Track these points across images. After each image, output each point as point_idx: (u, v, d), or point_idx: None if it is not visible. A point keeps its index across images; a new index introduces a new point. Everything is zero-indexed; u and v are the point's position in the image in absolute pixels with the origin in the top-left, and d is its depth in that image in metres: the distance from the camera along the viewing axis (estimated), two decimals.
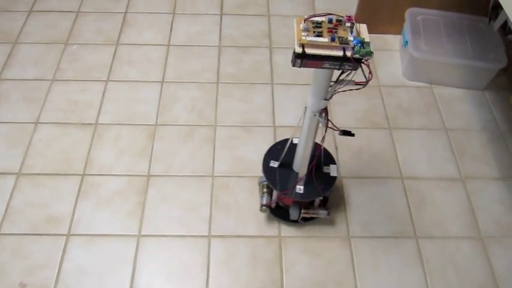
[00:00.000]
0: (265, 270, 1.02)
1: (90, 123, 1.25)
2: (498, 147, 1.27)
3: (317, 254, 1.05)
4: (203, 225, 1.08)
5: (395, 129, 1.29)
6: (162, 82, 1.35)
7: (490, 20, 1.33)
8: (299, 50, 0.72)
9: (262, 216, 1.10)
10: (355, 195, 1.15)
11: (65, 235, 1.05)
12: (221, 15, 1.55)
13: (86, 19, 1.52)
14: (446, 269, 1.05)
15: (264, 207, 1.04)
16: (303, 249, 1.06)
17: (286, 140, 1.06)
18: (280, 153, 1.03)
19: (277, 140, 1.13)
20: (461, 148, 1.26)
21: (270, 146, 1.08)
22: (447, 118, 1.32)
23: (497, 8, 1.36)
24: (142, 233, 1.06)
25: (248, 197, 1.13)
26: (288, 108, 1.31)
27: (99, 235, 1.05)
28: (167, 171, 1.17)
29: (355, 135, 0.94)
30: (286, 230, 1.08)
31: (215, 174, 1.17)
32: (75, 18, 1.52)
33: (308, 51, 0.72)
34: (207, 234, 1.07)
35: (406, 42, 1.36)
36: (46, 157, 1.18)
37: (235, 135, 1.25)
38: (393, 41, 1.51)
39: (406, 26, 1.39)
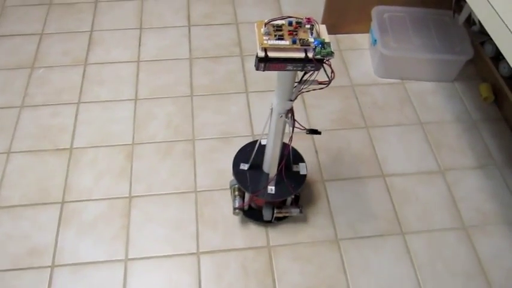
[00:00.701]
0: (257, 282, 1.02)
1: (64, 148, 1.22)
2: (472, 137, 1.30)
3: (307, 260, 1.05)
4: (191, 243, 1.07)
5: (372, 127, 1.30)
6: (136, 100, 1.33)
7: (454, 14, 1.36)
8: (262, 54, 0.73)
9: (250, 228, 1.09)
10: (339, 197, 1.16)
11: (49, 267, 1.02)
12: (189, 26, 1.54)
13: (50, 41, 1.48)
14: (435, 261, 1.06)
15: (236, 210, 1.05)
16: (293, 257, 1.06)
17: (255, 142, 1.06)
18: (249, 156, 1.04)
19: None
20: (437, 141, 1.29)
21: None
22: (421, 112, 1.35)
23: (460, 1, 1.39)
24: (129, 257, 1.04)
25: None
26: (265, 115, 1.30)
27: (85, 263, 1.03)
28: (149, 191, 1.15)
29: (321, 133, 0.96)
30: (275, 239, 1.08)
31: (198, 190, 1.16)
32: (39, 40, 1.48)
33: (271, 54, 0.73)
34: (195, 251, 1.05)
35: (375, 40, 1.38)
36: (22, 187, 1.14)
37: (215, 147, 1.24)
38: (362, 39, 1.53)
39: (374, 24, 1.41)
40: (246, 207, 1.08)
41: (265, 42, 0.74)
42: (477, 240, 1.11)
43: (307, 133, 0.93)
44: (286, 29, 0.76)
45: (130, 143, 1.24)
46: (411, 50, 1.35)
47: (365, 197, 1.16)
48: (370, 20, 1.49)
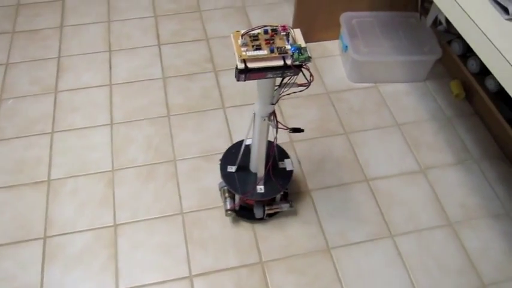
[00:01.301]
0: None
1: (42, 181, 1.18)
2: (448, 134, 1.33)
3: (301, 273, 1.05)
4: (182, 266, 1.05)
5: (351, 133, 1.32)
6: (111, 124, 1.30)
7: (420, 16, 1.39)
8: (241, 65, 0.74)
9: (241, 245, 1.08)
10: (326, 205, 1.16)
11: None
12: (159, 45, 1.52)
13: (17, 70, 1.44)
14: (426, 261, 1.08)
15: (229, 212, 1.07)
16: (287, 270, 1.05)
17: (239, 144, 1.08)
18: (235, 157, 1.06)
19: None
20: (415, 141, 1.31)
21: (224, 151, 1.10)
22: (397, 114, 1.37)
23: (423, 2, 1.43)
24: None
25: (222, 227, 1.11)
26: (244, 129, 1.30)
27: None
28: (134, 217, 1.12)
29: (304, 130, 0.99)
30: (267, 254, 1.07)
31: (184, 211, 1.14)
32: (5, 70, 1.44)
33: (250, 65, 0.75)
34: (188, 274, 1.04)
35: (346, 46, 1.39)
36: (1, 225, 1.10)
37: (197, 166, 1.22)
38: (332, 46, 1.55)
39: (343, 31, 1.43)
40: (237, 208, 1.09)
41: (243, 53, 0.75)
42: (464, 236, 1.13)
43: (290, 132, 0.96)
44: (262, 38, 0.78)
45: (110, 169, 1.21)
46: (382, 54, 1.37)
47: (351, 203, 1.17)
48: (339, 26, 1.51)
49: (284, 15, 1.64)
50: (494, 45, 0.64)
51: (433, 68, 1.44)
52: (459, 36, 1.34)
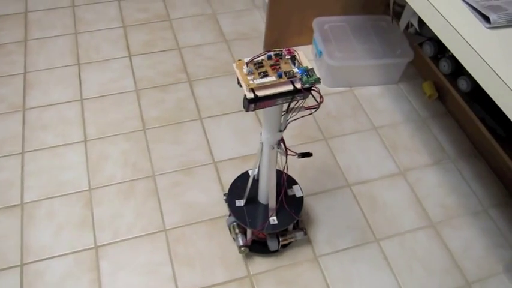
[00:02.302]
0: None
1: (15, 205, 1.13)
2: (424, 134, 1.35)
3: (291, 283, 1.04)
4: (169, 286, 1.02)
5: (330, 138, 1.32)
6: (85, 141, 1.26)
7: (392, 20, 1.41)
8: (250, 95, 0.72)
9: (228, 259, 1.06)
10: (310, 214, 1.16)
11: None
12: (130, 56, 1.48)
13: None
14: (411, 263, 1.09)
15: (243, 248, 1.02)
16: (276, 282, 1.04)
17: (244, 175, 1.05)
18: (241, 190, 1.02)
19: (221, 175, 1.11)
20: (393, 143, 1.32)
21: (229, 185, 1.06)
22: (373, 117, 1.38)
23: (392, 6, 1.45)
24: None
25: (208, 242, 1.09)
26: (224, 140, 1.28)
27: None
28: (115, 237, 1.09)
29: (312, 154, 0.94)
30: (255, 267, 1.06)
31: (167, 228, 1.11)
32: None
33: (259, 93, 0.72)
34: None
35: (320, 52, 1.40)
36: None
37: (177, 181, 1.19)
38: (305, 52, 1.55)
39: (316, 36, 1.43)
40: (249, 243, 1.05)
41: (251, 82, 0.73)
42: (446, 235, 1.15)
43: (298, 157, 0.92)
44: (267, 64, 0.76)
45: (87, 188, 1.17)
46: (356, 58, 1.38)
47: (335, 209, 1.17)
48: (311, 31, 1.51)
49: (255, 21, 1.63)
50: (479, 54, 0.65)
51: (405, 70, 1.46)
52: (430, 39, 1.36)
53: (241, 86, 0.74)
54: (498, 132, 1.19)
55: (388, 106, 1.42)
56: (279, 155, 0.90)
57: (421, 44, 1.39)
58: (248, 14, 1.66)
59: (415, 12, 1.28)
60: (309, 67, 0.75)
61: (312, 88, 0.75)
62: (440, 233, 1.15)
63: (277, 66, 0.75)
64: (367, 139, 1.33)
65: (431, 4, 0.73)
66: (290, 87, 0.73)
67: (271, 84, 0.73)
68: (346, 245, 1.11)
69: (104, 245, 1.07)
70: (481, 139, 1.30)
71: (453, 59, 1.29)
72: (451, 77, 1.32)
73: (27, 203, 1.13)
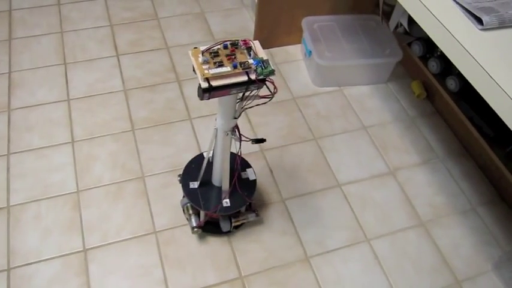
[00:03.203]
0: None
1: (1, 208, 1.10)
2: (413, 134, 1.36)
3: (282, 284, 1.04)
4: None
5: (320, 138, 1.32)
6: (73, 142, 1.24)
7: (382, 19, 1.41)
8: (205, 84, 0.73)
9: (219, 260, 1.06)
10: (301, 214, 1.16)
11: None
12: (117, 56, 1.46)
13: None
14: (402, 263, 1.10)
15: (195, 229, 1.04)
16: (268, 283, 1.03)
17: (198, 158, 1.07)
18: (196, 172, 1.03)
19: None
20: (382, 143, 1.33)
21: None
22: (363, 116, 1.39)
23: (382, 5, 1.45)
24: None
25: (198, 244, 1.08)
26: None
27: None
28: (104, 240, 1.07)
29: (265, 140, 0.96)
30: (246, 268, 1.05)
31: (157, 230, 1.10)
32: None
33: (214, 83, 0.73)
34: None
35: (310, 52, 1.39)
36: None
37: (167, 182, 1.18)
38: (294, 51, 1.55)
39: (306, 35, 1.43)
40: (202, 225, 1.06)
41: (206, 72, 0.73)
42: (435, 234, 1.15)
43: (252, 143, 0.94)
44: (223, 53, 0.77)
45: (75, 190, 1.15)
46: (345, 58, 1.38)
47: (326, 209, 1.17)
48: (300, 31, 1.51)
49: (244, 20, 1.62)
50: (472, 56, 0.65)
51: (394, 70, 1.47)
52: (419, 38, 1.37)
53: (196, 73, 0.75)
54: (486, 131, 1.20)
55: (377, 106, 1.42)
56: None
57: (409, 44, 1.40)
58: (237, 13, 1.65)
59: (404, 12, 1.29)
60: (264, 58, 0.76)
61: (267, 79, 0.76)
62: (430, 231, 1.16)
63: (233, 57, 0.75)
64: (357, 139, 1.33)
65: (424, 5, 0.73)
66: (245, 78, 0.74)
67: (226, 74, 0.73)
68: (337, 245, 1.11)
69: (92, 248, 1.06)
70: (469, 138, 1.31)
71: (442, 59, 1.30)
72: (440, 76, 1.33)
73: (13, 205, 1.11)
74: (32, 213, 1.10)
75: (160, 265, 1.04)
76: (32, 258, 1.03)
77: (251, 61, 0.75)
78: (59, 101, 1.33)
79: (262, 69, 0.75)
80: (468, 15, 0.69)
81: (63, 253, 1.04)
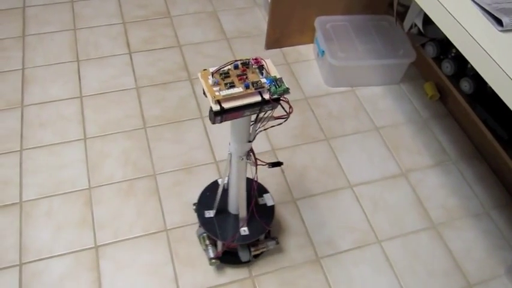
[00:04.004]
0: None
1: (13, 203, 1.11)
2: (425, 135, 1.35)
3: (293, 285, 1.03)
4: (171, 286, 1.01)
5: (332, 138, 1.31)
6: (85, 139, 1.24)
7: (396, 20, 1.40)
8: (216, 107, 0.69)
9: None
10: (312, 214, 1.15)
11: None
12: (130, 53, 1.47)
13: None
14: (413, 265, 1.09)
15: (213, 261, 0.99)
16: (278, 284, 1.03)
17: (213, 186, 1.02)
18: (211, 201, 0.99)
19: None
20: (394, 144, 1.32)
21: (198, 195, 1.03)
22: (375, 117, 1.38)
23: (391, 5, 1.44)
24: None
25: None
26: (226, 139, 1.27)
27: None
28: (116, 237, 1.07)
29: (283, 163, 0.93)
30: (257, 269, 1.05)
31: (168, 227, 1.10)
32: None
33: (226, 105, 0.69)
34: None
35: (323, 52, 1.39)
36: None
37: (178, 180, 1.18)
38: (306, 50, 1.54)
39: (319, 35, 1.42)
40: (220, 255, 1.02)
41: (217, 94, 0.69)
42: (448, 237, 1.14)
43: (269, 167, 0.88)
44: (234, 73, 0.73)
45: (87, 187, 1.15)
46: (358, 58, 1.37)
47: (337, 210, 1.16)
48: (312, 31, 1.50)
49: (256, 19, 1.62)
50: (491, 57, 0.64)
51: (407, 71, 1.45)
52: (433, 39, 1.36)
53: (206, 96, 0.72)
54: (500, 133, 1.19)
55: (389, 106, 1.41)
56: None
57: (423, 45, 1.39)
58: (249, 12, 1.64)
59: (419, 13, 1.27)
60: (278, 76, 0.73)
61: (281, 98, 0.72)
62: (442, 234, 1.15)
63: (244, 76, 0.72)
64: (369, 139, 1.32)
65: (442, 5, 0.73)
66: (258, 98, 0.71)
67: (238, 95, 0.70)
68: (348, 246, 1.11)
69: (104, 244, 1.06)
70: (482, 141, 1.30)
71: (456, 61, 1.29)
72: (453, 78, 1.31)
73: (25, 201, 1.12)
74: (44, 209, 1.11)
75: (171, 263, 1.04)
76: (43, 254, 1.04)
77: (264, 80, 0.72)
78: (71, 98, 1.33)
79: (276, 87, 0.71)
80: (487, 16, 0.68)
81: (75, 249, 1.05)
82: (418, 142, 1.33)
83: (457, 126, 1.38)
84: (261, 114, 0.75)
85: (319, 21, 1.45)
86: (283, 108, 0.74)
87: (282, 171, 1.22)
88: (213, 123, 0.71)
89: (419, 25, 1.27)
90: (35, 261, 1.03)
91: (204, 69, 0.72)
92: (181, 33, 1.55)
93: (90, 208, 1.12)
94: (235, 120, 0.76)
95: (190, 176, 1.19)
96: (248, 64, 0.74)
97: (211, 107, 0.69)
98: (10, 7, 1.57)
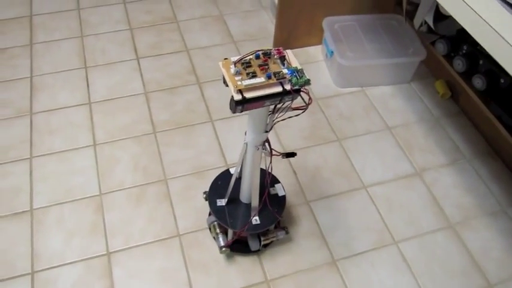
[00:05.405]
0: None
1: (24, 211, 1.10)
2: (438, 134, 1.33)
3: None
4: None
5: (343, 139, 1.29)
6: (94, 145, 1.23)
7: (405, 18, 1.39)
8: (238, 97, 0.69)
9: (244, 263, 1.04)
10: (326, 216, 1.13)
11: None
12: (138, 59, 1.46)
13: None
14: (431, 265, 1.06)
15: (223, 249, 1.00)
16: (294, 287, 1.01)
17: (225, 174, 1.03)
18: (223, 189, 1.00)
19: None
20: (407, 143, 1.30)
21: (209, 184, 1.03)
22: (386, 117, 1.36)
23: (400, 4, 1.43)
24: None
25: None
26: (236, 142, 1.26)
27: None
28: (128, 243, 1.06)
29: (296, 154, 0.93)
30: (272, 272, 1.03)
31: (181, 233, 1.08)
32: None
33: (248, 95, 0.70)
34: None
35: (332, 52, 1.37)
36: None
37: (190, 184, 1.17)
38: (315, 52, 1.53)
39: (327, 36, 1.41)
40: (230, 244, 1.02)
41: (239, 83, 0.70)
42: (465, 236, 1.12)
43: (283, 157, 0.91)
44: (255, 63, 0.73)
45: (98, 193, 1.14)
46: (368, 58, 1.36)
47: (352, 211, 1.15)
48: (320, 31, 1.49)
49: (263, 22, 1.61)
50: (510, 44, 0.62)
51: (417, 70, 1.44)
52: (443, 36, 1.34)
53: (227, 85, 0.72)
54: None
55: (400, 106, 1.39)
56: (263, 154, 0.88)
57: (433, 43, 1.37)
58: (255, 15, 1.64)
59: (429, 10, 1.26)
60: (299, 68, 0.73)
61: (301, 90, 0.73)
62: (459, 234, 1.13)
63: (266, 67, 0.72)
64: (381, 139, 1.30)
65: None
66: (279, 89, 0.71)
67: (259, 85, 0.70)
68: (365, 248, 1.09)
69: (116, 251, 1.05)
70: (497, 138, 1.28)
71: (467, 57, 1.27)
72: (465, 75, 1.30)
73: (36, 209, 1.10)
74: (54, 216, 1.09)
75: (185, 268, 1.03)
76: (55, 261, 1.02)
77: (285, 71, 0.72)
78: (80, 105, 1.32)
79: (297, 79, 0.71)
80: (504, 4, 0.66)
81: (87, 256, 1.03)
82: (430, 141, 1.31)
83: (470, 123, 1.36)
84: (280, 105, 0.75)
85: (327, 22, 1.44)
86: (302, 99, 0.73)
87: (295, 173, 1.21)
88: (234, 112, 0.71)
89: (430, 22, 1.25)
90: (47, 269, 1.01)
91: (225, 58, 0.73)
92: (188, 37, 1.54)
93: (102, 215, 1.10)
94: (253, 110, 0.76)
95: (202, 180, 1.18)
96: (270, 54, 0.74)
97: (232, 96, 0.70)
98: (17, 16, 1.57)
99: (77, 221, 1.09)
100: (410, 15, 1.43)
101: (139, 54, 1.48)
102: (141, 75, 1.41)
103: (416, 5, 1.39)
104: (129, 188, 1.15)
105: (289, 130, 1.30)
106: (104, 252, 1.04)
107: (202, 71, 1.44)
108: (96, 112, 1.31)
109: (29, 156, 1.20)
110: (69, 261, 1.03)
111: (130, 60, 1.45)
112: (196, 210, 1.12)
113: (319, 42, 1.53)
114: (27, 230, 1.07)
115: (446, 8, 0.74)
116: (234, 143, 1.26)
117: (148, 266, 1.02)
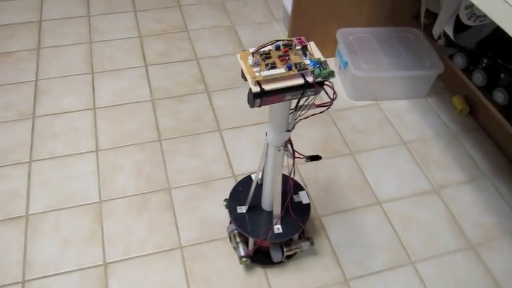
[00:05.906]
0: None
1: (19, 216, 1.04)
2: (456, 150, 1.27)
3: None
4: None
5: (357, 153, 1.24)
6: (97, 151, 1.18)
7: (423, 31, 1.35)
8: (256, 89, 0.64)
9: (248, 279, 0.97)
10: (339, 232, 1.06)
11: None
12: (146, 66, 1.42)
13: None
14: None
15: (244, 259, 0.93)
16: None
17: (246, 180, 0.98)
18: (243, 196, 0.94)
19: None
20: (424, 159, 1.24)
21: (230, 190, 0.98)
22: (401, 131, 1.30)
23: (418, 17, 1.39)
24: None
25: (227, 261, 0.99)
26: (244, 152, 1.20)
27: None
28: (126, 254, 1.00)
29: (321, 157, 0.88)
30: (287, 275, 0.96)
31: (183, 245, 1.02)
32: None
33: (266, 87, 0.65)
34: None
35: (346, 63, 1.33)
36: None
37: (194, 194, 1.11)
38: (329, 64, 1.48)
39: (341, 47, 1.37)
40: (251, 254, 0.96)
41: (257, 74, 0.65)
42: (487, 258, 1.05)
43: (306, 160, 0.85)
44: (275, 54, 0.68)
45: (97, 200, 1.08)
46: (383, 70, 1.31)
47: (365, 228, 1.08)
48: (334, 43, 1.45)
49: (275, 33, 1.58)
50: None
51: (433, 85, 1.39)
52: (461, 50, 1.29)
53: (245, 79, 0.67)
54: None
55: (416, 120, 1.34)
56: (285, 157, 0.82)
57: (451, 56, 1.32)
58: (268, 27, 1.60)
59: (449, 20, 1.22)
60: (322, 59, 0.68)
61: (325, 83, 0.67)
62: (480, 255, 1.05)
63: (287, 58, 0.67)
64: (396, 154, 1.24)
65: None
66: (301, 81, 0.66)
67: (279, 76, 0.65)
68: (379, 267, 1.01)
69: (113, 261, 0.98)
70: None
71: (487, 71, 1.22)
72: (485, 89, 1.24)
73: (32, 214, 1.05)
74: (50, 222, 1.04)
75: (186, 282, 0.96)
76: (49, 270, 0.96)
77: (307, 62, 0.67)
78: (84, 109, 1.28)
79: (320, 70, 0.66)
80: None
81: (82, 266, 0.97)
82: (448, 157, 1.25)
83: (489, 140, 1.30)
84: (302, 101, 0.70)
85: (341, 33, 1.40)
86: (326, 93, 0.68)
87: (305, 186, 1.15)
88: (252, 106, 0.66)
89: (450, 32, 1.21)
90: (39, 278, 0.95)
91: (244, 50, 0.69)
92: (199, 46, 1.50)
93: (100, 223, 1.04)
94: (274, 106, 0.71)
95: (207, 191, 1.12)
96: (290, 45, 0.69)
97: (250, 89, 0.65)
98: (27, 20, 1.55)
99: (74, 229, 1.03)
100: (428, 30, 1.39)
101: (148, 61, 1.44)
102: (149, 82, 1.37)
103: (434, 18, 1.35)
104: (130, 196, 1.10)
105: (300, 141, 1.24)
106: (100, 263, 0.98)
107: (211, 79, 1.40)
108: (101, 118, 1.26)
109: (28, 160, 1.15)
110: (63, 271, 0.96)
111: (139, 67, 1.42)
112: (200, 222, 1.06)
113: (333, 55, 1.49)
114: (21, 236, 1.01)
115: (480, 8, 0.69)
116: (242, 154, 1.20)
117: (146, 278, 0.96)
